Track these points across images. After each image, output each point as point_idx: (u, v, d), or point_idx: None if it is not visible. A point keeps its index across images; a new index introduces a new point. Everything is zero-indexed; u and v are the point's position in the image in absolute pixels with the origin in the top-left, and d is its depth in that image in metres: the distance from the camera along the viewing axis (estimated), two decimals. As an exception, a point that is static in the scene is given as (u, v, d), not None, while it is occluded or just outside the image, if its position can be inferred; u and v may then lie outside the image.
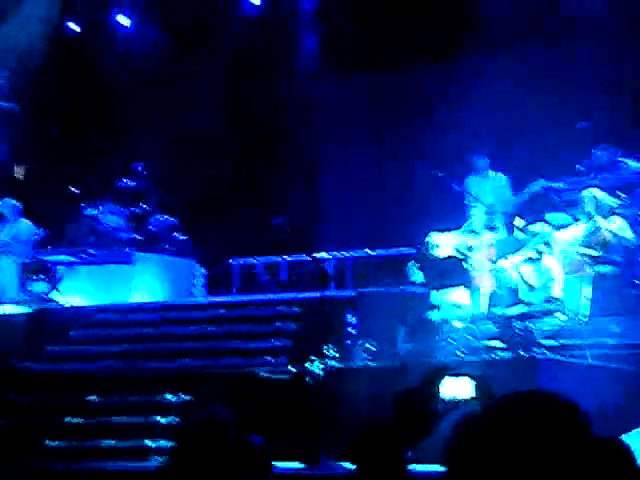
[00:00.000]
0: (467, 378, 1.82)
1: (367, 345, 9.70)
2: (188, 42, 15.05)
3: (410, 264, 10.46)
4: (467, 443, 1.53)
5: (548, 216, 10.84)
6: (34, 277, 12.94)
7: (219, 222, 14.18)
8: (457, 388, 1.81)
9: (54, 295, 12.75)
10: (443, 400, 1.84)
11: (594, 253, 9.66)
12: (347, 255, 13.16)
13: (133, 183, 13.75)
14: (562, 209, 11.06)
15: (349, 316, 10.27)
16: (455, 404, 1.83)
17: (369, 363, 9.20)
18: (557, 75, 12.62)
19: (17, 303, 12.45)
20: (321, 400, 7.78)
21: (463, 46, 12.96)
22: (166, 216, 13.68)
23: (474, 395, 1.82)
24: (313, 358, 8.81)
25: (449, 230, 10.53)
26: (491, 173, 11.57)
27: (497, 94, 12.22)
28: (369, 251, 13.02)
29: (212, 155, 14.71)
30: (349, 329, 10.15)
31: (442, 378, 1.82)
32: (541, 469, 1.46)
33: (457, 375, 1.82)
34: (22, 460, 3.57)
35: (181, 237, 13.81)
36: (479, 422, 1.54)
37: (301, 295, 11.21)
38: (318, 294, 10.04)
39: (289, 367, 9.49)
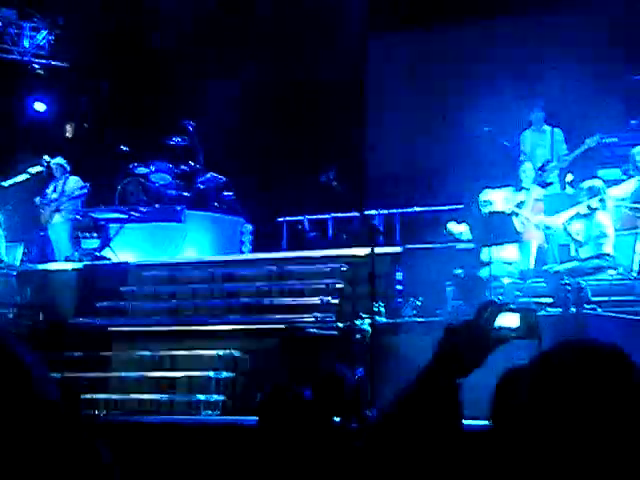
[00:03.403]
0: (516, 313, 1.82)
1: (415, 301, 9.71)
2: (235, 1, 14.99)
3: (449, 227, 10.35)
4: (516, 396, 1.52)
5: (601, 172, 10.69)
6: (86, 234, 13.11)
7: (268, 179, 14.19)
8: (506, 321, 1.81)
9: (106, 252, 12.92)
10: (497, 330, 1.83)
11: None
12: (395, 212, 13.11)
13: (183, 141, 13.79)
14: (614, 164, 10.90)
15: (397, 272, 10.27)
16: (504, 336, 1.82)
17: (416, 319, 9.20)
18: (608, 28, 12.34)
19: (69, 260, 12.65)
20: (368, 355, 7.80)
21: (511, 2, 12.75)
22: (215, 174, 13.72)
23: (520, 326, 1.81)
24: (361, 314, 8.83)
25: (499, 187, 10.43)
26: (546, 127, 11.36)
27: (548, 49, 12.01)
28: (417, 208, 12.95)
29: (260, 112, 14.69)
30: (397, 285, 10.15)
31: (498, 313, 1.81)
32: (595, 423, 1.44)
33: (511, 310, 1.81)
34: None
35: (230, 195, 13.87)
36: (528, 374, 1.52)
37: (349, 252, 11.21)
38: (366, 250, 10.04)
39: (337, 323, 9.54)
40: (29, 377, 1.49)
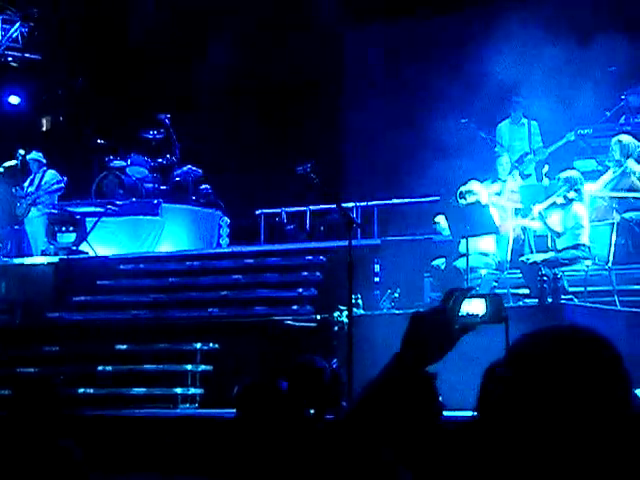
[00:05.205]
0: (481, 298, 1.82)
1: (393, 293, 9.73)
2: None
3: (437, 220, 10.44)
4: (497, 387, 1.51)
5: (576, 163, 10.74)
6: (62, 228, 13.04)
7: (245, 172, 14.17)
8: (472, 307, 1.81)
9: (82, 246, 12.85)
10: (461, 317, 1.83)
11: (620, 195, 9.60)
12: (373, 204, 13.13)
13: (159, 134, 13.73)
14: (589, 156, 10.95)
15: (375, 265, 10.28)
16: (471, 322, 1.82)
17: (394, 311, 9.22)
18: (583, 19, 12.39)
19: (45, 254, 12.57)
20: (346, 347, 7.81)
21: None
22: (192, 167, 13.67)
23: (487, 311, 1.81)
24: (339, 306, 8.84)
25: (474, 179, 10.46)
26: (524, 120, 11.41)
27: (523, 40, 12.04)
28: (395, 200, 12.98)
29: (237, 105, 14.66)
30: (375, 278, 10.16)
31: (463, 299, 1.81)
32: (578, 410, 1.43)
33: (476, 296, 1.82)
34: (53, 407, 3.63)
35: (207, 188, 13.83)
36: (508, 364, 1.52)
37: (327, 244, 11.22)
38: (344, 243, 10.03)
39: (315, 315, 9.55)
40: None
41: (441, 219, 10.28)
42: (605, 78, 11.44)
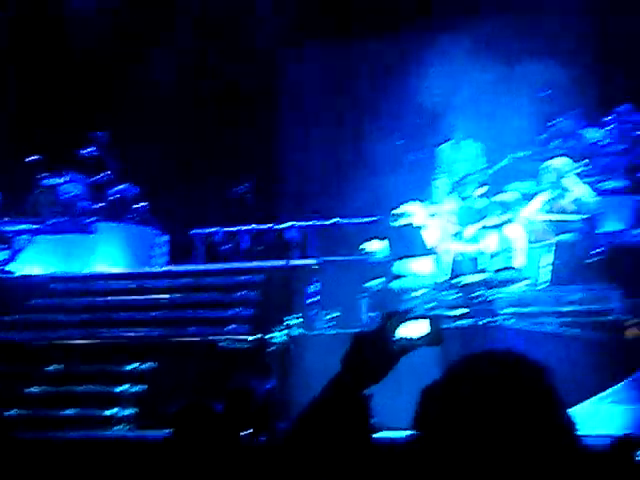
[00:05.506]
0: (423, 320, 1.83)
1: (330, 313, 9.72)
2: (146, 8, 14.85)
3: (362, 246, 10.45)
4: (435, 407, 1.53)
5: (514, 185, 10.89)
6: (-3, 246, 12.77)
7: (182, 191, 14.07)
8: (412, 329, 1.82)
9: (12, 265, 12.58)
10: (399, 340, 1.83)
11: (555, 218, 9.74)
12: (310, 224, 13.13)
13: (95, 152, 13.58)
14: (527, 178, 11.12)
15: (312, 285, 10.28)
16: (411, 344, 1.83)
17: (332, 331, 9.21)
18: (518, 42, 12.62)
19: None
20: (283, 368, 7.78)
21: (421, 15, 12.98)
22: (129, 184, 13.54)
23: (427, 332, 1.82)
24: (276, 327, 8.80)
25: (419, 199, 10.54)
26: (464, 142, 11.51)
27: (459, 63, 12.22)
28: (333, 220, 12.99)
29: (174, 123, 14.57)
30: (312, 298, 10.16)
31: (401, 321, 1.82)
32: (510, 430, 1.47)
33: (414, 318, 1.82)
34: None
35: (143, 206, 13.69)
36: (446, 385, 1.54)
37: (264, 264, 11.18)
38: (281, 263, 10.03)
39: (252, 336, 9.49)
40: None
41: (368, 245, 10.27)
42: (540, 102, 11.63)
